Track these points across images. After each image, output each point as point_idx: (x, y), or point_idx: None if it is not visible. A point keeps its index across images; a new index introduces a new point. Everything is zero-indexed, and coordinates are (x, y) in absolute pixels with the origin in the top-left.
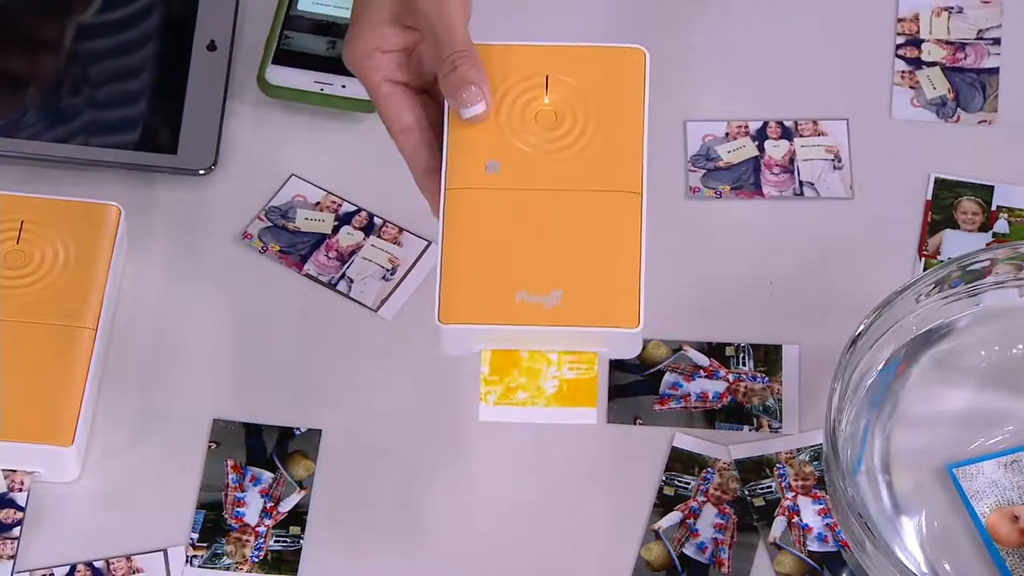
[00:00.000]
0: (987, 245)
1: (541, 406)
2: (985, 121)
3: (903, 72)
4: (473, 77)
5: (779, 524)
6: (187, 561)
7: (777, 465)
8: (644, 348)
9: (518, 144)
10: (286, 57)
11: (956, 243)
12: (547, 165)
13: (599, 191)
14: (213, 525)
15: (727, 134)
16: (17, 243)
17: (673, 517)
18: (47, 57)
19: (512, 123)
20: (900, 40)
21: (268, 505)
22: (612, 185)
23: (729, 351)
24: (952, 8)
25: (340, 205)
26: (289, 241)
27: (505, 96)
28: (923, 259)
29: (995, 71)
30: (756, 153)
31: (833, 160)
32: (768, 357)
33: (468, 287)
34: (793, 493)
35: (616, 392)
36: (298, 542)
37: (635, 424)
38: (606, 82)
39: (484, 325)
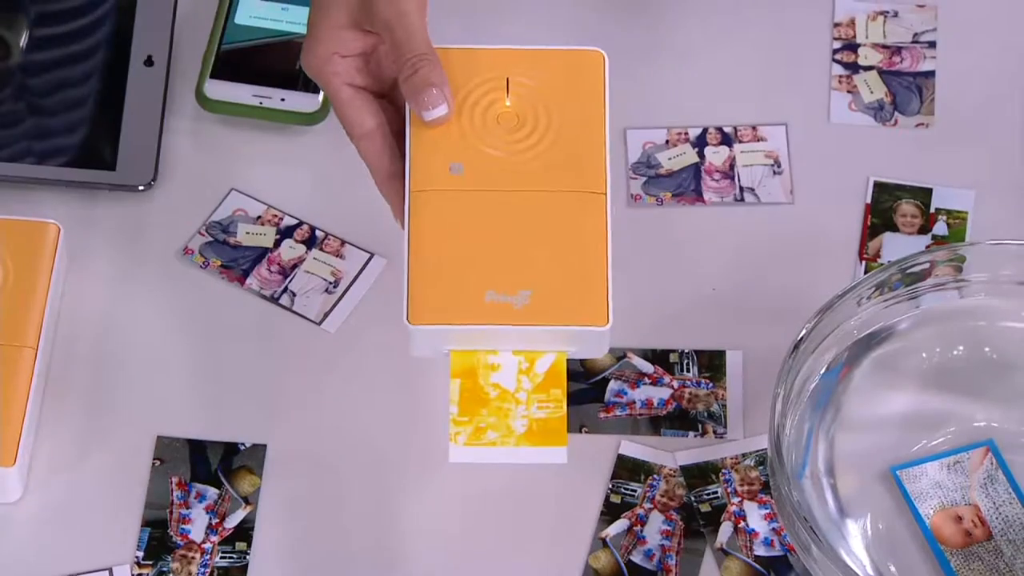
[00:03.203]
0: (926, 248)
1: (511, 446)
2: (922, 124)
3: (840, 76)
4: (434, 79)
5: (726, 529)
6: None
7: (723, 471)
8: None
9: (481, 146)
10: (224, 71)
11: (896, 246)
12: (510, 167)
13: (563, 191)
14: (158, 543)
15: (667, 141)
16: None
17: (620, 525)
18: None
19: (474, 125)
20: (837, 45)
21: (214, 521)
22: (576, 186)
23: (673, 357)
24: (888, 12)
25: (281, 219)
26: (231, 256)
27: (466, 99)
28: (864, 262)
29: (931, 74)
30: (696, 160)
31: (773, 165)
32: (712, 363)
33: (436, 288)
34: (739, 498)
35: None
36: (244, 558)
37: (581, 432)
38: (566, 84)
39: (453, 326)
